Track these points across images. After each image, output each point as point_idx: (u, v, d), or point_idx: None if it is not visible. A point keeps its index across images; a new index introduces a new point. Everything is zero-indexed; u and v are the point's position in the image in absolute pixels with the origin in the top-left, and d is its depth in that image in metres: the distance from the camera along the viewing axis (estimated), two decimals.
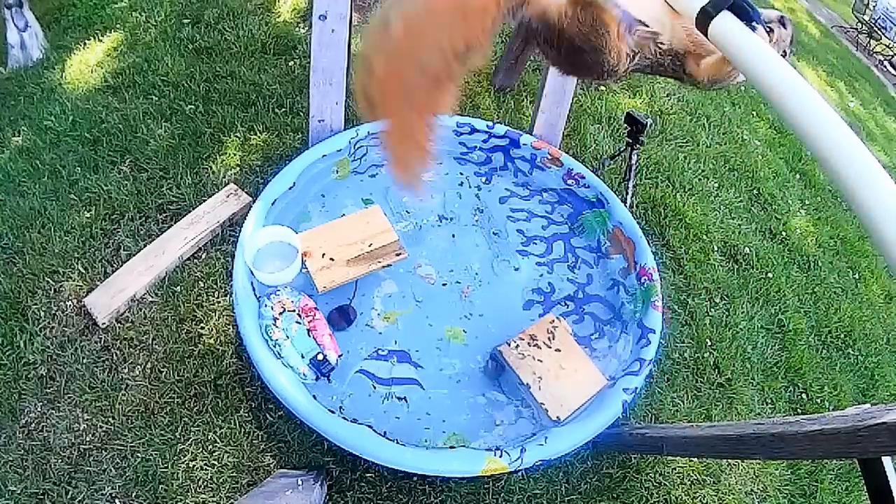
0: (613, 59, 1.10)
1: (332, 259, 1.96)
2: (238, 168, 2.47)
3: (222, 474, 1.76)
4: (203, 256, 2.19)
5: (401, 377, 1.85)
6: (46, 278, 2.03)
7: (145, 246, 2.13)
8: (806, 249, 3.21)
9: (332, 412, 1.63)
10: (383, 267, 1.99)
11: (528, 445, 1.63)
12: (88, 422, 1.80)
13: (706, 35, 0.97)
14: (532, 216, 2.41)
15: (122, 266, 2.07)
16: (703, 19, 0.93)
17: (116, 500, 1.69)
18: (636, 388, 1.82)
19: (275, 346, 1.71)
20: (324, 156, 2.21)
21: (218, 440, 1.81)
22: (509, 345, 1.88)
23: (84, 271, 2.07)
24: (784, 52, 1.14)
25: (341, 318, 1.92)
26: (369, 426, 1.62)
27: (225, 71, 2.87)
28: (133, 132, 2.51)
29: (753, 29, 0.91)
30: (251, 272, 1.85)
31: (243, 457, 1.80)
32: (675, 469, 2.12)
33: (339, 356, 1.81)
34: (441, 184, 2.42)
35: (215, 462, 1.78)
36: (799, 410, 2.51)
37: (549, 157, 2.46)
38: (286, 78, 2.91)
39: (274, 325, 1.74)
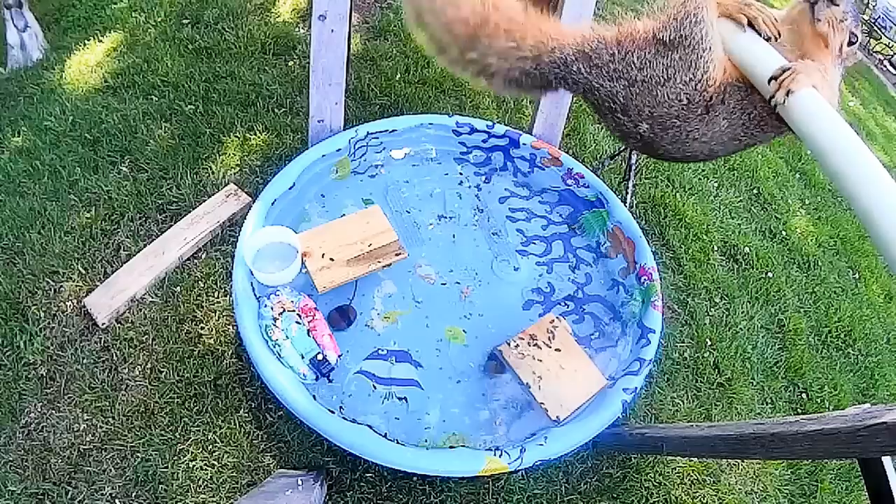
0: (709, 70, 0.95)
1: (331, 259, 1.95)
2: (238, 168, 2.48)
3: (222, 474, 1.76)
4: (203, 257, 2.19)
5: (401, 377, 1.85)
6: (46, 279, 2.03)
7: (145, 246, 2.13)
8: (806, 249, 3.21)
9: (332, 412, 1.62)
10: (383, 267, 1.99)
11: (528, 445, 1.63)
12: (88, 422, 1.80)
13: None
14: (532, 216, 2.41)
15: (122, 266, 2.07)
16: None
17: (116, 500, 1.69)
18: (636, 388, 1.82)
19: (275, 347, 1.71)
20: (323, 156, 2.21)
21: (218, 440, 1.81)
22: (509, 344, 1.88)
23: (84, 272, 2.07)
24: (850, 37, 0.97)
25: (341, 318, 1.92)
26: (369, 426, 1.62)
27: (225, 71, 2.87)
28: (133, 132, 2.51)
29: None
30: (251, 272, 1.85)
31: (243, 457, 1.80)
32: (675, 469, 2.12)
33: (339, 356, 1.81)
34: (441, 184, 2.42)
35: (215, 462, 1.78)
36: (799, 410, 2.51)
37: (549, 157, 2.46)
38: (286, 78, 2.92)
39: (274, 325, 1.74)
